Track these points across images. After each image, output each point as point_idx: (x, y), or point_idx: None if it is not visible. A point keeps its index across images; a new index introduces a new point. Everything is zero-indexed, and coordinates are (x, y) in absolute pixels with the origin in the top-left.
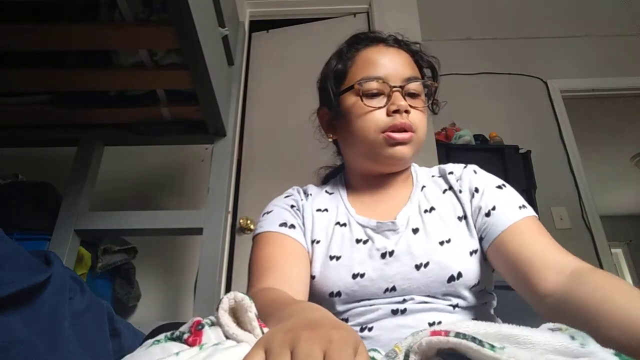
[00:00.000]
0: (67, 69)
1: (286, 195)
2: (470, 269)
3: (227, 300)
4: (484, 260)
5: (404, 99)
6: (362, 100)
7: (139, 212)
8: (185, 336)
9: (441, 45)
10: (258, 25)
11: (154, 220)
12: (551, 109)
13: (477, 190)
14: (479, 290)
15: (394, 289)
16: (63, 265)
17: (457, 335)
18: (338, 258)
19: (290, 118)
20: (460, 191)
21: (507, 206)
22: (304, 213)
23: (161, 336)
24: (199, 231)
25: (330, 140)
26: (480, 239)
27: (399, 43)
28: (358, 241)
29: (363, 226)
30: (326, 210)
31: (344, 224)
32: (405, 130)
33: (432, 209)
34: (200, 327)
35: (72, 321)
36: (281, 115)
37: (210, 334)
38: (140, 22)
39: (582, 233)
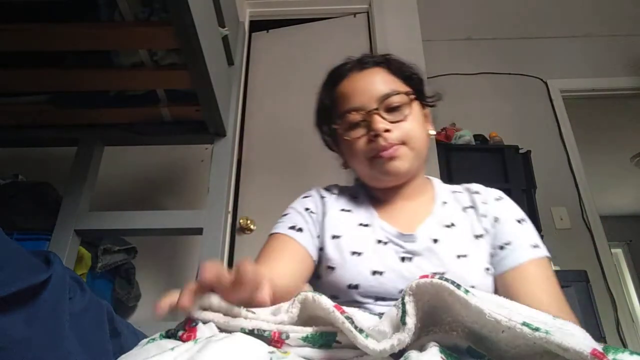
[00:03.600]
0: (67, 69)
1: (305, 196)
2: (484, 284)
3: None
4: None
5: (383, 117)
6: (343, 136)
7: (139, 212)
8: (180, 333)
9: (441, 45)
10: (258, 25)
11: (154, 220)
12: (551, 109)
13: (497, 219)
14: None
15: None
16: (63, 265)
17: (440, 278)
18: (359, 254)
19: (290, 118)
20: (485, 215)
21: (520, 244)
22: (327, 209)
23: (156, 335)
24: (199, 231)
25: (343, 168)
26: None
27: (370, 61)
28: (379, 242)
29: (385, 230)
30: (350, 211)
31: (367, 225)
32: (391, 146)
33: (452, 224)
34: (194, 323)
35: (72, 321)
36: (281, 115)
37: (204, 329)
38: (140, 22)
39: (582, 233)
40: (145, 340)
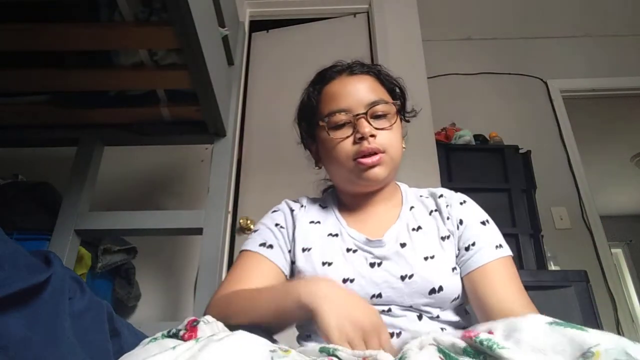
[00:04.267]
0: (67, 69)
1: (274, 210)
2: (452, 283)
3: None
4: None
5: (369, 123)
6: (329, 134)
7: (139, 212)
8: (181, 333)
9: (441, 45)
10: (258, 25)
11: (154, 220)
12: (551, 109)
13: (461, 222)
14: (459, 304)
15: (380, 295)
16: (63, 265)
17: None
18: (330, 264)
19: (290, 118)
20: (448, 218)
21: (485, 244)
22: (297, 222)
23: (158, 334)
24: (199, 231)
25: (317, 168)
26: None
27: (361, 69)
28: (348, 250)
29: (353, 238)
30: (319, 222)
31: (336, 234)
32: (374, 154)
33: (419, 227)
34: (195, 323)
35: (72, 321)
36: (281, 115)
37: (205, 329)
38: (140, 22)
39: (582, 233)
40: (147, 339)
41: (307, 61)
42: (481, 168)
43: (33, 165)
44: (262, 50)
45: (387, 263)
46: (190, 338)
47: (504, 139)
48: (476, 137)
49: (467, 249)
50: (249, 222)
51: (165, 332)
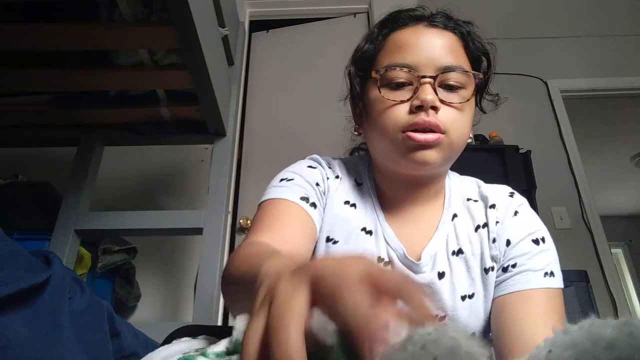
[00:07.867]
0: (67, 69)
1: (310, 165)
2: (486, 327)
3: None
4: None
5: (436, 92)
6: (380, 92)
7: (139, 212)
8: None
9: None
10: (258, 25)
11: (154, 220)
12: (551, 109)
13: (508, 242)
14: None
15: None
16: (63, 265)
17: None
18: None
19: (290, 118)
20: (495, 240)
21: (530, 268)
22: (328, 199)
23: None
24: (199, 231)
25: (356, 134)
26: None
27: (445, 22)
28: (381, 260)
29: (389, 245)
30: (354, 205)
31: (370, 232)
32: (431, 131)
33: (460, 251)
34: None
35: (72, 321)
36: (281, 115)
37: None
38: (140, 22)
39: (582, 233)
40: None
41: (307, 61)
42: (481, 168)
43: (33, 165)
44: (262, 50)
45: None
46: None
47: (504, 139)
48: (476, 137)
49: (505, 269)
50: (249, 222)
51: None
